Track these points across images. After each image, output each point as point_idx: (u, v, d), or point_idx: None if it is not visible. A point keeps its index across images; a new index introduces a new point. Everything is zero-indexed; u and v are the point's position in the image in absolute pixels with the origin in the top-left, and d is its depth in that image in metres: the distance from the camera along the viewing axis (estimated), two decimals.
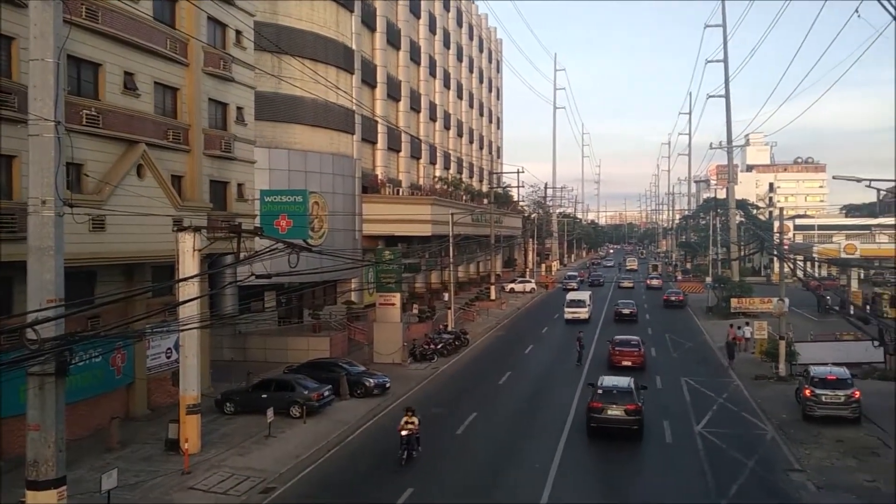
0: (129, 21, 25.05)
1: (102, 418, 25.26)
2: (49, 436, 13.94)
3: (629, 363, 37.07)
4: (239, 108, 32.70)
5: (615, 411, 25.11)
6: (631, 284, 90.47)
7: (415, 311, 50.99)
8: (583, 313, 56.31)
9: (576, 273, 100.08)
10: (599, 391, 25.96)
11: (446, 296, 56.93)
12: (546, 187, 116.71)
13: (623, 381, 26.75)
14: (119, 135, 24.64)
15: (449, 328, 47.40)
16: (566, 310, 57.03)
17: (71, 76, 22.73)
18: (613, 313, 58.93)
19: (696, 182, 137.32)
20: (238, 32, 32.54)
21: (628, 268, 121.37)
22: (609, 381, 27.15)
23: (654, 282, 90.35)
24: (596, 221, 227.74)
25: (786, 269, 40.71)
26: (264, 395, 27.59)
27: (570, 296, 60.00)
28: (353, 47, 51.36)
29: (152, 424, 26.41)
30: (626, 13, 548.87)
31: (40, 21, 14.05)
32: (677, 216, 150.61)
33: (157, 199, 25.58)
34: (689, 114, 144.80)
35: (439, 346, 41.53)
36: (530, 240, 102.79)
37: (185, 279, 21.25)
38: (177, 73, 28.31)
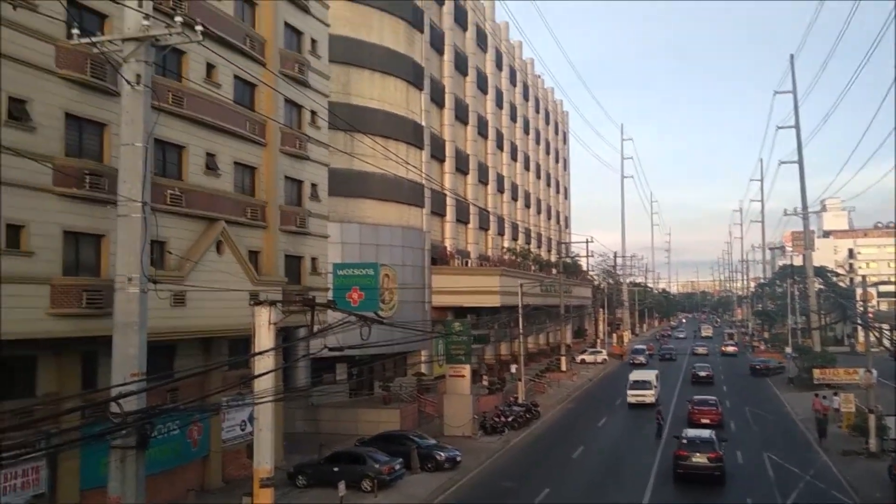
0: (211, 105, 26.33)
1: (179, 490, 25.59)
2: None
3: (707, 420, 40.28)
4: (313, 185, 33.70)
5: (699, 459, 28.85)
6: (706, 351, 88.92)
7: (484, 383, 50.60)
8: (648, 396, 49.46)
9: (644, 347, 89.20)
10: (684, 441, 30.06)
11: (513, 367, 56.44)
12: (615, 256, 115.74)
13: (705, 433, 31.19)
14: (200, 213, 25.63)
15: (519, 400, 46.80)
16: (629, 392, 49.90)
17: (157, 158, 23.88)
18: (690, 375, 63.77)
19: (770, 249, 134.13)
20: (313, 113, 33.79)
21: (703, 335, 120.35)
22: (692, 432, 31.73)
23: (730, 348, 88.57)
24: (667, 290, 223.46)
25: (871, 339, 39.12)
26: (336, 469, 27.59)
27: (634, 375, 52.25)
28: (423, 123, 52.64)
29: (227, 497, 26.62)
30: (692, 82, 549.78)
31: (132, 108, 14.93)
32: (752, 284, 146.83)
33: (235, 275, 26.35)
34: (761, 180, 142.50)
35: (510, 419, 40.98)
36: (600, 309, 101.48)
37: (260, 352, 21.65)
38: (255, 153, 29.46)
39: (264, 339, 23.15)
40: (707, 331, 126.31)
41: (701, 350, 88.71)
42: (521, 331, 52.53)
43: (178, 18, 14.64)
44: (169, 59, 24.45)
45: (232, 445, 29.32)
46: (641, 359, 77.09)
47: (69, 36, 16.93)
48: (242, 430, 29.62)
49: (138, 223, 14.79)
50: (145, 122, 14.89)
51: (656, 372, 54.01)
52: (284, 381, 33.16)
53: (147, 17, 14.63)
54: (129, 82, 14.81)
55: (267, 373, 21.26)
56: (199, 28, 15.11)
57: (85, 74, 20.56)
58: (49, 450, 16.76)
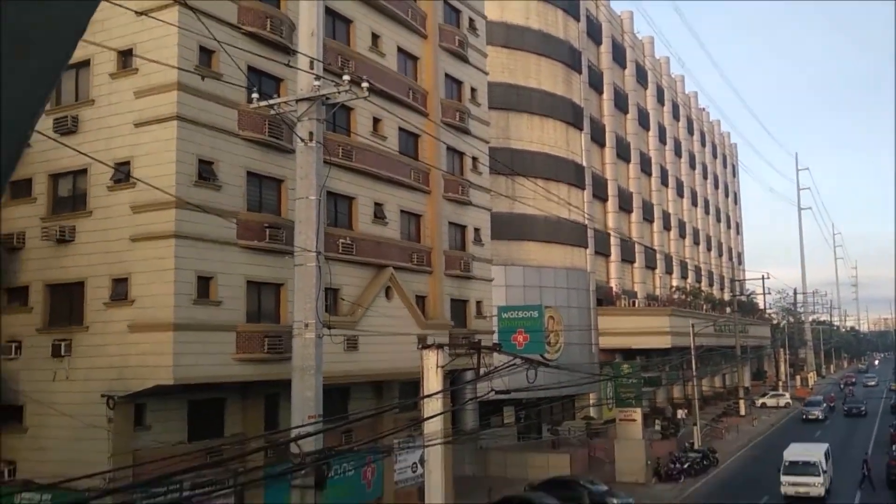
0: (378, 157, 27.49)
1: None
2: None
3: None
4: (476, 229, 34.23)
5: None
6: None
7: (657, 428, 48.71)
8: (814, 486, 32.23)
9: (820, 398, 70.05)
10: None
11: (679, 412, 53.99)
12: (795, 293, 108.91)
13: None
14: (370, 260, 26.65)
15: (695, 446, 44.63)
16: (784, 479, 32.87)
17: (329, 209, 25.17)
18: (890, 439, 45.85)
19: None
20: (474, 159, 34.48)
21: None
22: None
23: None
24: (856, 328, 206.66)
25: None
26: None
27: (792, 452, 34.74)
28: (584, 163, 52.33)
29: None
30: (868, 108, 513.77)
31: (305, 164, 15.85)
32: None
33: (403, 319, 27.09)
34: None
35: (686, 466, 39.11)
36: (781, 350, 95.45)
37: (429, 395, 22.01)
38: (420, 200, 30.37)
39: (432, 381, 23.57)
40: None
41: None
42: (694, 373, 50.31)
43: (346, 77, 15.47)
44: (338, 116, 25.82)
45: (404, 487, 29.82)
46: (817, 413, 63.00)
47: (249, 100, 18.32)
48: (414, 471, 30.08)
49: (313, 272, 15.56)
50: (318, 176, 15.75)
51: (826, 447, 35.58)
52: (453, 423, 33.50)
53: (318, 77, 15.57)
54: (302, 140, 15.75)
55: (436, 415, 21.56)
56: (365, 85, 15.89)
57: (263, 135, 22.13)
58: (237, 487, 17.76)
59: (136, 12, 18.34)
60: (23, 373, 21.46)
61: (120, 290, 20.28)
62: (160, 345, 19.30)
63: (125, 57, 20.83)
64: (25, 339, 21.66)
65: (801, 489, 32.11)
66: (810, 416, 62.67)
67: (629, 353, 52.63)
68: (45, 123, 21.48)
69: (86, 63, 21.55)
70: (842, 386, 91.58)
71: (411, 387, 28.98)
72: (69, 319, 21.26)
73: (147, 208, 19.91)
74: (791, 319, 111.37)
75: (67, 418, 19.55)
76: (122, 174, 20.24)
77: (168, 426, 20.83)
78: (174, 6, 19.57)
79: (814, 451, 34.27)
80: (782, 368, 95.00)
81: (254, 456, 17.83)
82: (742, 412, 64.45)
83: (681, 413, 54.42)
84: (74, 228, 21.20)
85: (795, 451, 34.73)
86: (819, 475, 32.10)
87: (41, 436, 20.70)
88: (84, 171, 21.22)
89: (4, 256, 22.29)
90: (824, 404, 66.20)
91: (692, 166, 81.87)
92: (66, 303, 21.49)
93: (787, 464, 33.36)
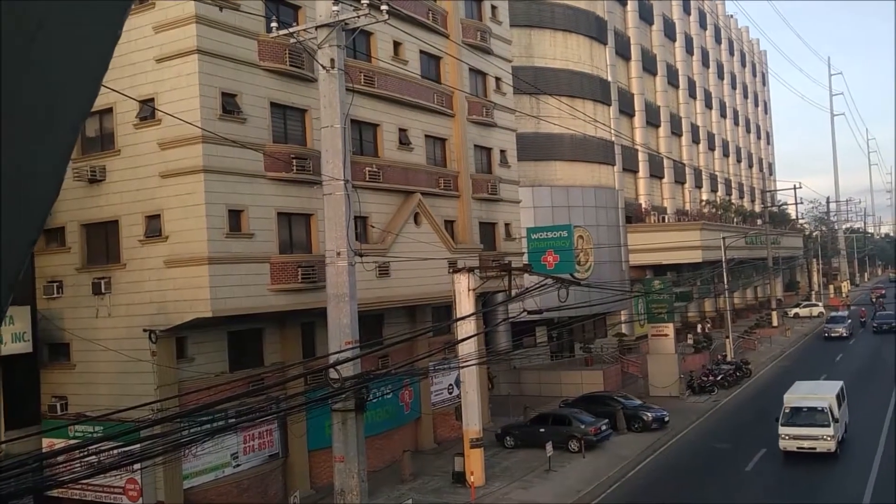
0: (400, 82, 27.18)
1: (395, 451, 27.07)
2: (352, 467, 15.22)
3: None
4: (502, 152, 33.96)
5: None
6: None
7: (689, 342, 48.99)
8: (823, 438, 25.12)
9: (845, 314, 63.68)
10: None
11: (704, 327, 54.14)
12: (828, 202, 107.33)
13: None
14: (397, 187, 26.65)
15: (728, 358, 44.93)
16: (782, 430, 25.79)
17: (354, 137, 25.08)
18: None
19: None
20: (497, 79, 33.94)
21: None
22: None
23: None
24: (892, 234, 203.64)
25: None
26: (542, 430, 27.95)
27: (794, 395, 27.33)
28: (609, 79, 51.32)
29: (439, 458, 27.80)
30: None
31: (328, 92, 15.75)
32: None
33: (432, 244, 27.23)
34: None
35: (719, 378, 39.48)
36: (814, 260, 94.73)
37: (462, 318, 22.31)
38: (444, 124, 30.11)
39: (464, 304, 23.88)
40: None
41: None
42: (726, 286, 50.25)
43: (365, 1, 15.20)
44: (358, 42, 25.45)
45: (441, 408, 30.53)
46: (841, 330, 56.70)
47: (268, 30, 18.10)
48: (450, 393, 30.73)
49: (342, 200, 15.64)
50: (341, 104, 15.66)
51: (839, 386, 28.13)
52: (486, 345, 33.98)
53: (336, 2, 15.32)
54: (324, 67, 15.61)
55: (469, 337, 21.90)
56: (384, 7, 15.61)
57: (284, 64, 21.94)
58: (279, 413, 18.32)
59: None
60: (66, 311, 22.04)
61: (154, 227, 20.56)
62: (196, 279, 19.65)
63: None
64: (66, 278, 22.16)
65: (806, 443, 25.20)
66: (833, 334, 56.83)
67: (660, 269, 52.58)
68: None
69: None
70: (873, 299, 79.83)
71: (444, 310, 29.35)
72: (107, 257, 21.67)
73: (174, 144, 19.99)
74: (824, 229, 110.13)
75: (113, 353, 20.14)
76: (148, 110, 20.27)
77: (210, 357, 21.39)
78: None
79: (823, 393, 27.25)
80: (815, 278, 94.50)
81: (294, 383, 18.29)
82: (775, 323, 64.49)
83: (705, 327, 54.66)
84: (105, 168, 21.39)
85: (799, 393, 27.49)
86: (828, 425, 25.10)
87: (89, 371, 21.38)
88: (110, 111, 21.27)
89: None
90: (849, 320, 60.26)
91: (720, 77, 79.92)
92: (103, 241, 21.87)
93: (787, 411, 26.17)
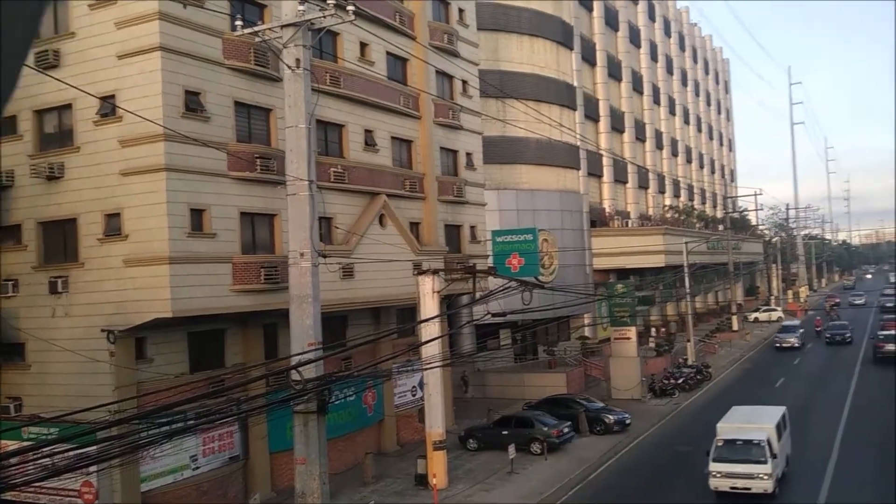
0: (366, 83, 27.09)
1: (357, 454, 26.94)
2: (314, 469, 15.11)
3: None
4: (468, 154, 34.01)
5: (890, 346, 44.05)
6: None
7: (651, 345, 49.54)
8: (760, 477, 21.70)
9: (797, 322, 62.37)
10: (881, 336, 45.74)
11: (653, 332, 54.81)
12: (787, 208, 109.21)
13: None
14: (362, 188, 26.55)
15: (689, 362, 45.49)
16: (712, 467, 22.36)
17: (319, 138, 24.92)
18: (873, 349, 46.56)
19: None
20: (464, 82, 34.00)
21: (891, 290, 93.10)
22: (884, 333, 46.68)
23: None
24: (848, 241, 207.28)
25: None
26: (505, 432, 28.03)
27: (727, 426, 23.69)
28: (574, 84, 51.70)
29: (402, 460, 27.73)
30: (862, 12, 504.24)
31: (293, 92, 15.62)
32: None
33: (398, 246, 27.17)
34: None
35: (680, 381, 39.96)
36: (773, 265, 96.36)
37: (426, 320, 22.28)
38: (410, 126, 30.07)
39: (429, 306, 23.85)
40: None
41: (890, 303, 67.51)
42: (687, 290, 50.87)
43: (331, 1, 15.11)
44: (324, 42, 25.32)
45: (404, 410, 30.46)
46: (793, 341, 54.53)
47: (233, 28, 17.91)
48: (413, 395, 30.67)
49: (306, 201, 15.52)
50: (306, 104, 15.55)
51: (781, 412, 24.87)
52: (451, 347, 34.00)
53: (302, 2, 15.21)
54: (289, 67, 15.49)
55: (433, 339, 21.87)
56: (350, 8, 15.54)
57: (249, 63, 21.74)
58: (240, 415, 18.11)
59: None
60: (22, 310, 21.57)
61: (113, 226, 20.22)
62: (157, 278, 19.37)
63: None
64: (21, 276, 21.69)
65: (740, 482, 21.80)
66: (784, 345, 54.58)
67: (623, 273, 53.08)
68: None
69: None
70: (827, 308, 78.28)
71: (409, 312, 29.30)
72: (64, 256, 21.26)
73: (136, 142, 19.69)
74: (783, 235, 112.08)
75: (70, 354, 19.75)
76: (109, 107, 19.94)
77: (170, 358, 21.09)
78: None
79: (762, 422, 23.65)
80: (775, 283, 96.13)
81: (255, 384, 18.12)
82: (735, 327, 65.49)
83: (660, 331, 55.26)
84: (63, 165, 20.99)
85: (735, 423, 23.89)
86: (766, 461, 21.71)
87: (45, 371, 20.95)
88: (69, 107, 20.89)
89: None
90: (801, 329, 57.72)
91: (684, 84, 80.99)
92: (60, 240, 21.44)
93: (719, 444, 22.57)
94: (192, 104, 20.30)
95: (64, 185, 21.02)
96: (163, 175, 19.42)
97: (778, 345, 55.41)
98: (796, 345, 54.35)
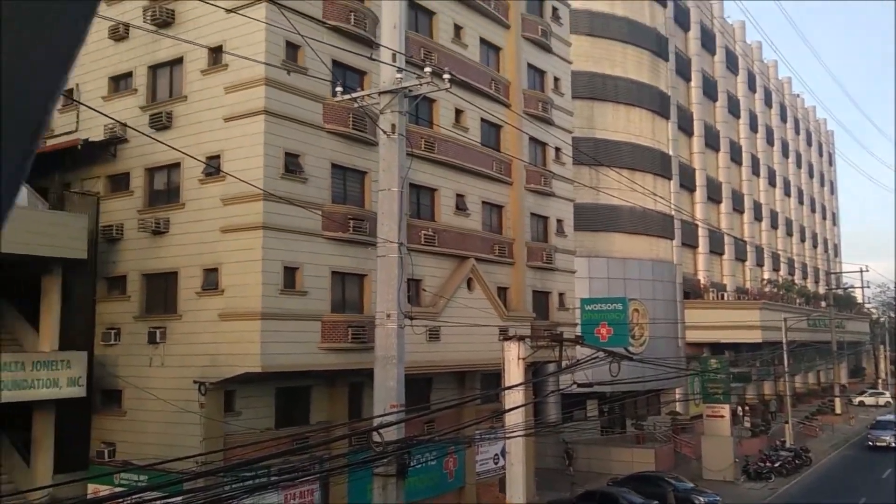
0: (460, 148, 27.53)
1: None
2: None
3: None
4: (559, 221, 33.90)
5: None
6: None
7: (747, 425, 47.35)
8: None
9: (891, 417, 52.95)
10: None
11: (741, 410, 52.22)
12: None
13: None
14: (452, 251, 26.74)
15: (787, 444, 43.20)
16: None
17: (411, 201, 25.35)
18: None
19: None
20: (557, 149, 34.12)
21: None
22: None
23: None
24: None
25: None
26: None
27: None
28: (670, 153, 51.15)
29: None
30: None
31: (388, 156, 15.98)
32: None
33: (484, 310, 27.10)
34: None
35: (777, 465, 37.93)
36: (881, 346, 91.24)
37: (510, 387, 21.97)
38: (502, 191, 30.27)
39: (514, 373, 23.51)
40: None
41: None
42: (786, 369, 48.65)
43: (428, 69, 15.51)
44: (420, 107, 25.96)
45: (485, 478, 29.90)
46: (889, 439, 47.16)
47: (334, 94, 18.58)
48: (495, 463, 30.11)
49: (395, 263, 15.69)
50: (400, 168, 15.86)
51: None
52: (535, 416, 33.35)
53: (400, 70, 15.67)
54: (385, 132, 15.89)
55: (517, 407, 21.50)
56: (446, 76, 15.91)
57: (347, 127, 22.45)
58: (322, 473, 18.17)
59: (225, 10, 18.85)
60: (121, 358, 22.45)
61: (211, 280, 20.95)
62: (248, 333, 19.86)
63: (215, 54, 21.44)
64: (123, 325, 22.64)
65: None
66: (878, 444, 47.23)
67: (717, 348, 51.30)
68: (141, 120, 22.36)
69: (179, 61, 22.31)
70: None
71: (493, 378, 28.96)
72: (164, 308, 22.10)
73: (236, 200, 20.49)
74: (892, 315, 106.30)
75: (162, 403, 20.35)
76: (213, 168, 20.88)
77: (257, 412, 21.45)
78: (262, 3, 20.04)
79: None
80: (882, 366, 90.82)
81: (338, 443, 18.17)
82: (838, 410, 61.99)
83: (745, 411, 52.71)
84: (168, 220, 22.00)
85: None
86: None
87: (138, 419, 21.62)
88: (178, 165, 21.97)
89: (104, 247, 23.34)
90: None
91: (785, 155, 79.00)
92: (161, 292, 22.34)
93: None
94: (292, 165, 21.04)
95: (168, 240, 21.99)
96: (260, 233, 20.08)
97: (871, 443, 47.74)
98: (893, 444, 46.25)
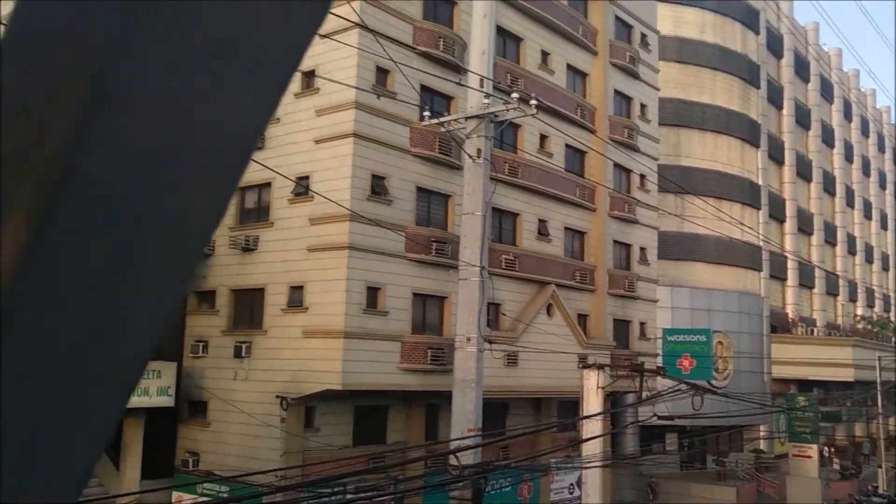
0: (543, 174, 27.50)
1: None
2: None
3: None
4: (642, 249, 33.40)
5: None
6: None
7: (836, 467, 45.31)
8: None
9: None
10: None
11: (861, 449, 49.80)
12: None
13: None
14: (532, 277, 26.66)
15: (880, 490, 41.10)
16: None
17: (493, 225, 25.42)
18: None
19: None
20: (642, 177, 33.70)
21: None
22: None
23: None
24: None
25: None
26: None
27: None
28: (759, 182, 49.84)
29: None
30: None
31: (472, 180, 16.15)
32: None
33: (563, 337, 26.86)
34: None
35: None
36: None
37: (589, 416, 21.68)
38: (584, 218, 30.05)
39: (592, 402, 23.18)
40: None
41: None
42: (880, 410, 46.40)
43: (515, 95, 15.64)
44: (505, 133, 26.08)
45: None
46: None
47: (421, 118, 18.92)
48: (570, 493, 29.64)
49: (476, 286, 15.79)
50: (484, 193, 16.00)
51: None
52: (613, 447, 32.74)
53: (487, 95, 15.84)
54: (470, 156, 16.07)
55: (595, 437, 21.20)
56: (533, 102, 16.00)
57: (433, 151, 22.75)
58: (397, 494, 18.27)
59: (319, 35, 19.41)
60: (208, 370, 23.18)
61: (296, 297, 21.45)
62: (331, 351, 20.23)
63: (308, 77, 22.10)
64: (211, 339, 23.38)
65: None
66: None
67: (805, 385, 49.33)
68: None
69: None
70: None
71: (570, 406, 28.61)
72: (250, 323, 22.74)
73: (323, 220, 20.98)
74: None
75: (245, 416, 20.88)
76: (303, 188, 21.46)
77: (335, 429, 21.76)
78: (355, 29, 20.58)
79: None
80: None
81: (414, 464, 18.26)
82: None
83: (831, 451, 50.35)
84: (258, 238, 22.68)
85: None
86: None
87: (222, 430, 22.23)
88: (268, 185, 22.67)
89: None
90: None
91: (882, 186, 75.87)
92: (248, 307, 23.01)
93: None
94: (378, 188, 21.43)
95: (256, 257, 22.66)
96: (345, 253, 20.49)
97: None
98: None
